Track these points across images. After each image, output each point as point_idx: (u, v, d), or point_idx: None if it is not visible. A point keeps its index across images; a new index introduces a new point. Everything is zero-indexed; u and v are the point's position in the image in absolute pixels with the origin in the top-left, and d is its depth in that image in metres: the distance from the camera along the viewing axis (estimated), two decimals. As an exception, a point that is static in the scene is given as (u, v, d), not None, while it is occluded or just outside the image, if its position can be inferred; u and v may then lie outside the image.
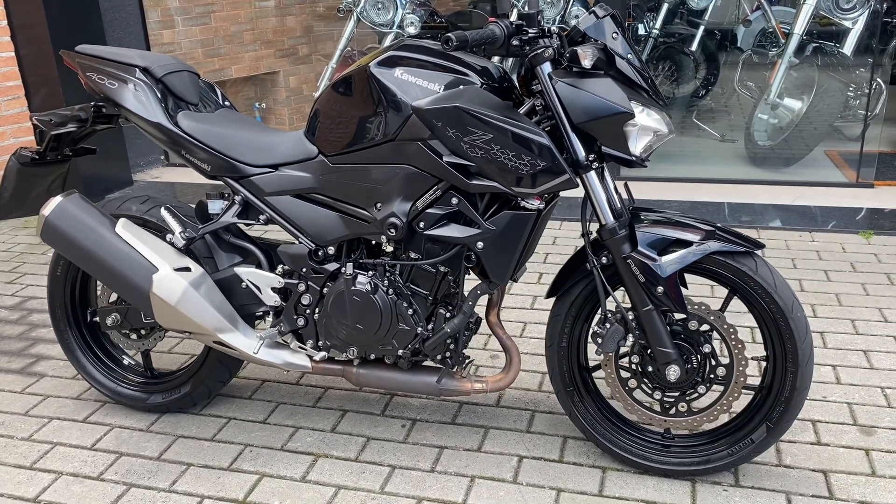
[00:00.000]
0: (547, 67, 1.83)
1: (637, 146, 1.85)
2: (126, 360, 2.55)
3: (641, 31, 5.71)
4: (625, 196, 1.98)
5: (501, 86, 1.95)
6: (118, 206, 2.34)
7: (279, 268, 2.17)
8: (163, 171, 5.41)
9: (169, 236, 2.19)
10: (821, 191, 4.28)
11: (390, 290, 2.06)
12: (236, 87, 6.14)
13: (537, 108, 1.89)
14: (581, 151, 1.84)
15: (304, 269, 2.14)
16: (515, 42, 1.79)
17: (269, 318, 2.23)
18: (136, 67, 2.19)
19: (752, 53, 5.33)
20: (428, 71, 1.91)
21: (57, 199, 2.19)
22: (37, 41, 4.43)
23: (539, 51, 1.80)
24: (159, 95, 2.17)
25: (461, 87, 1.89)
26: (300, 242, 2.13)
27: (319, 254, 2.12)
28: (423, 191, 1.96)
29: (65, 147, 2.37)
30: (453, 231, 1.95)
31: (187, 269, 2.14)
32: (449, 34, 1.65)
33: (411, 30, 5.39)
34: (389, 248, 2.07)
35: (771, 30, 6.29)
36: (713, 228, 1.93)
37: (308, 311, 2.16)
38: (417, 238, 2.00)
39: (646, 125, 1.83)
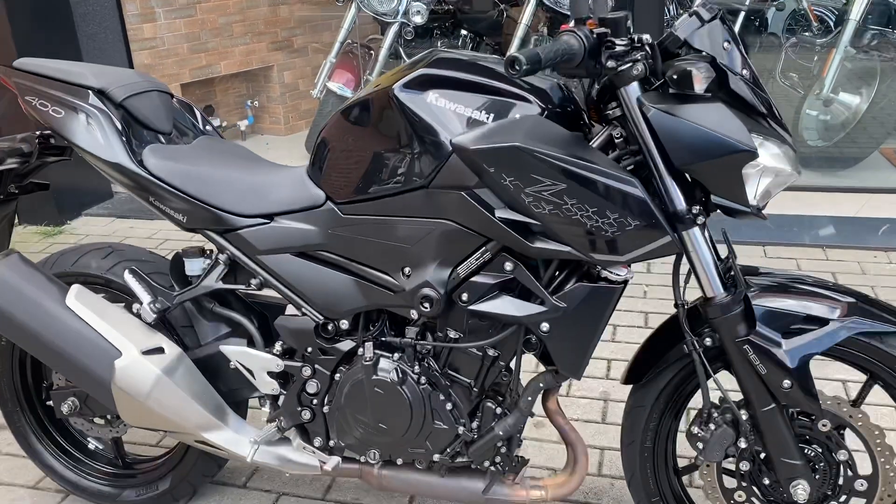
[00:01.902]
0: (634, 89, 1.34)
1: (756, 193, 1.37)
2: (91, 445, 2.08)
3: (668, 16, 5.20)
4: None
5: (566, 111, 1.47)
6: (73, 263, 1.86)
7: (277, 345, 1.69)
8: (147, 179, 4.91)
9: (136, 306, 1.71)
10: (889, 199, 3.79)
11: (422, 379, 1.59)
12: (226, 85, 5.62)
13: (615, 140, 1.40)
14: (682, 202, 1.36)
15: (310, 349, 1.66)
16: (605, 54, 1.30)
17: (268, 404, 1.75)
18: (89, 90, 1.70)
19: (795, 41, 4.82)
20: (472, 94, 1.42)
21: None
22: (-3, 40, 3.92)
23: (626, 67, 1.32)
24: (119, 126, 1.68)
25: (517, 116, 1.40)
26: (304, 314, 1.65)
27: (329, 328, 1.65)
28: (467, 253, 1.48)
29: (7, 184, 1.88)
30: (508, 307, 1.47)
31: (159, 351, 1.66)
32: (516, 54, 1.16)
33: (417, 19, 4.88)
34: (421, 323, 1.59)
35: (803, 12, 5.79)
36: (853, 300, 1.45)
37: (315, 401, 1.68)
38: (458, 311, 1.52)
39: (768, 165, 1.35)
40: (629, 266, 1.42)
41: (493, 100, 1.42)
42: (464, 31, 5.69)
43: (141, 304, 1.69)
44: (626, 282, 1.44)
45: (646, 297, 3.01)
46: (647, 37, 1.34)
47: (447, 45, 5.63)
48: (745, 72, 1.35)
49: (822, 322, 1.42)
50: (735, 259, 1.50)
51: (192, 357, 1.73)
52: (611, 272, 1.42)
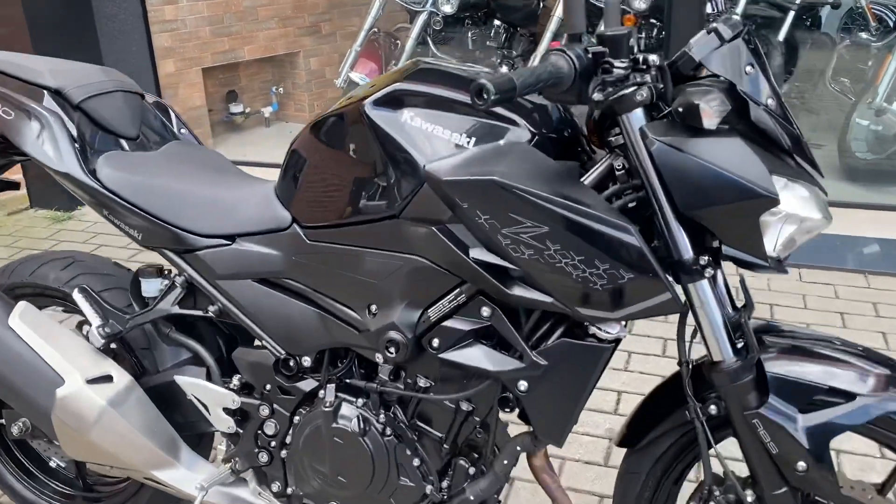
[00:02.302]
0: (638, 118, 1.14)
1: (776, 243, 1.16)
2: (53, 463, 1.96)
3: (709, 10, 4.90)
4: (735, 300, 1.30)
5: (562, 136, 1.27)
6: (31, 273, 1.72)
7: (235, 379, 1.54)
8: (164, 165, 4.81)
9: (86, 328, 1.57)
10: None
11: (388, 430, 1.41)
12: (250, 70, 5.49)
13: (616, 171, 1.21)
14: (688, 250, 1.16)
15: (269, 386, 1.50)
16: (598, 79, 1.10)
17: (224, 442, 1.60)
18: (44, 90, 1.55)
19: (849, 42, 4.50)
20: (453, 115, 1.24)
21: (-70, 274, 1.58)
22: (10, 20, 3.82)
23: (628, 92, 1.12)
24: (73, 131, 1.53)
25: (502, 142, 1.21)
26: (264, 346, 1.49)
27: (291, 364, 1.48)
28: (440, 294, 1.30)
29: None
30: (482, 359, 1.29)
31: (106, 380, 1.51)
32: (483, 81, 0.96)
33: (447, 8, 4.68)
34: (389, 367, 1.41)
35: (860, 10, 5.43)
36: (889, 371, 1.24)
37: (273, 443, 1.52)
38: (429, 358, 1.35)
39: (792, 212, 1.14)
40: (624, 323, 1.23)
41: (476, 122, 1.23)
42: (497, 21, 5.47)
43: (90, 327, 1.55)
44: (618, 341, 1.25)
45: (666, 320, 2.79)
46: (654, 58, 1.14)
47: (479, 35, 5.42)
48: (770, 101, 1.14)
49: (849, 396, 1.21)
50: (751, 312, 1.29)
51: (147, 384, 1.59)
52: (601, 329, 1.23)
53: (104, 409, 1.48)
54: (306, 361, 1.46)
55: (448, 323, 1.30)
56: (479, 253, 1.22)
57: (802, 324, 2.74)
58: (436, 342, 1.31)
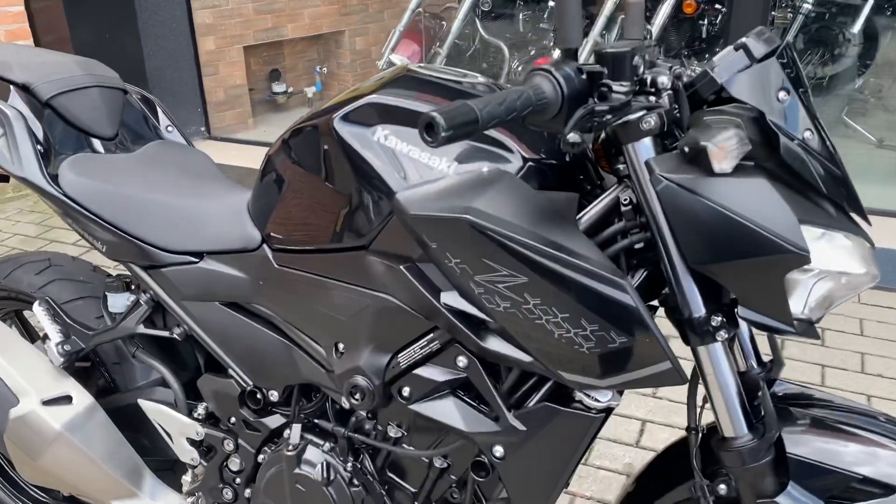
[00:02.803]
0: (646, 148, 0.95)
1: (806, 303, 0.97)
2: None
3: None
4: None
5: (563, 160, 1.09)
6: (5, 276, 1.62)
7: (201, 407, 1.41)
8: (203, 145, 4.73)
9: (47, 343, 1.46)
10: None
11: (355, 480, 1.27)
12: (296, 49, 5.38)
13: (623, 205, 1.02)
14: (699, 308, 0.97)
15: (233, 419, 1.37)
16: (588, 107, 0.92)
17: (189, 472, 1.48)
18: (11, 84, 1.43)
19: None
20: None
21: None
22: (48, -5, 3.78)
23: (633, 118, 0.93)
24: (38, 131, 1.41)
25: (485, 168, 1.04)
26: (230, 376, 1.36)
27: (258, 397, 1.35)
28: (411, 338, 1.14)
29: None
30: (455, 416, 1.12)
31: (65, 400, 1.41)
32: (433, 114, 0.79)
33: (497, -11, 4.45)
34: (360, 412, 1.27)
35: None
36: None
37: (237, 480, 1.40)
38: (400, 406, 1.19)
39: (827, 268, 0.94)
40: (618, 390, 1.05)
41: (459, 144, 1.06)
42: (552, 3, 5.21)
43: (51, 343, 1.44)
44: (609, 410, 1.07)
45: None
46: (664, 79, 0.94)
47: (531, 15, 5.18)
48: (807, 133, 0.94)
49: (889, 490, 1.01)
50: (779, 370, 1.10)
51: (112, 405, 1.48)
52: (588, 395, 1.05)
53: (59, 434, 1.37)
54: (273, 396, 1.33)
55: (420, 371, 1.14)
56: (451, 298, 1.05)
57: (856, 353, 2.49)
58: (406, 391, 1.15)
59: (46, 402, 1.38)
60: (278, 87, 5.25)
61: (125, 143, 1.54)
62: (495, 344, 1.03)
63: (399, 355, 1.15)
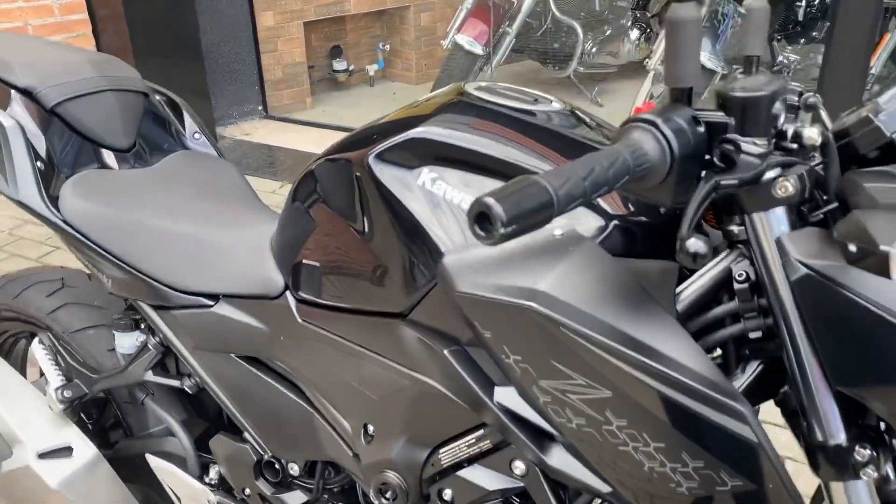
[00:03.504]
0: (778, 218, 0.70)
1: None
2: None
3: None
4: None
5: (655, 219, 0.84)
6: (16, 295, 1.46)
7: (213, 471, 1.22)
8: (259, 125, 4.58)
9: (47, 387, 1.29)
10: None
11: (385, 585, 1.06)
12: (357, 25, 5.15)
13: (736, 281, 0.76)
14: (840, 435, 0.72)
15: (248, 491, 1.18)
16: (710, 183, 0.66)
17: (203, 539, 1.30)
18: (12, 88, 1.25)
19: None
20: (493, 180, 0.84)
21: None
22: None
23: (765, 182, 0.68)
24: (40, 145, 1.22)
25: (557, 233, 0.80)
26: (246, 440, 1.17)
27: (276, 468, 1.15)
28: (456, 432, 0.92)
29: None
30: (508, 535, 0.91)
31: (65, 452, 1.23)
32: (486, 200, 0.55)
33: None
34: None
35: None
36: None
37: (252, 558, 1.21)
38: None
39: None
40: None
41: None
42: (632, -22, 4.86)
43: (49, 387, 1.27)
44: None
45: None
46: (812, 133, 0.69)
47: (609, -6, 4.83)
48: None
49: None
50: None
51: (121, 453, 1.31)
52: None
53: (55, 493, 1.20)
54: (294, 469, 1.13)
55: (466, 473, 0.92)
56: (507, 397, 0.82)
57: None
58: (448, 494, 0.93)
59: (43, 455, 1.21)
60: (339, 65, 5.05)
61: (143, 154, 1.35)
62: (563, 461, 0.80)
63: (440, 451, 0.93)
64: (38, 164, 1.20)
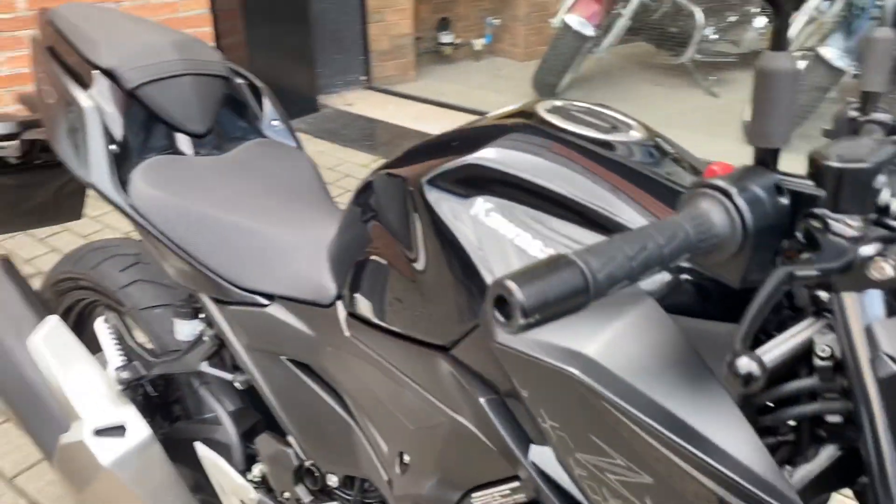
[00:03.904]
0: (870, 303, 0.60)
1: None
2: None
3: None
4: None
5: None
6: (93, 266, 1.49)
7: (257, 469, 1.22)
8: (361, 95, 4.58)
9: (107, 366, 1.31)
10: None
11: None
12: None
13: (820, 356, 0.67)
14: None
15: (287, 495, 1.17)
16: (782, 273, 0.57)
17: None
18: (95, 69, 1.26)
19: None
20: (553, 218, 0.77)
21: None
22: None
23: (858, 262, 0.58)
24: (116, 127, 1.22)
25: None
26: (290, 444, 1.15)
27: (316, 476, 1.13)
28: (490, 479, 0.86)
29: (35, 152, 1.54)
30: None
31: (118, 431, 1.26)
32: (508, 284, 0.48)
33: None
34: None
35: None
36: None
37: (287, 560, 1.20)
38: None
39: None
40: None
41: (588, 235, 0.75)
42: (762, -37, 4.54)
43: (109, 366, 1.29)
44: None
45: None
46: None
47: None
48: None
49: None
50: None
51: (172, 435, 1.32)
52: None
53: (106, 471, 1.22)
54: (332, 480, 1.11)
55: (497, 520, 0.86)
56: (543, 458, 0.76)
57: None
58: (478, 538, 0.88)
59: (98, 432, 1.24)
60: (445, 38, 4.98)
61: (219, 140, 1.34)
62: (598, 536, 0.74)
63: (473, 495, 0.88)
64: (113, 146, 1.21)
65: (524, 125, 0.84)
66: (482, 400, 0.79)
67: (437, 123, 4.01)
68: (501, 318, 0.49)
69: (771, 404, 0.68)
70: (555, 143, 0.81)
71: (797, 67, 0.55)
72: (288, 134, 1.44)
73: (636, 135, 0.84)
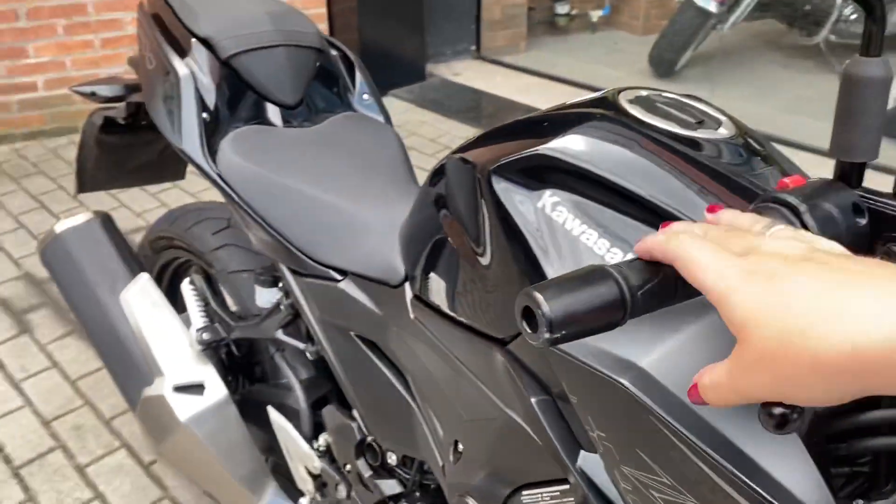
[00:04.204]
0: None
1: None
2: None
3: None
4: None
5: None
6: (187, 227, 1.55)
7: (322, 438, 1.24)
8: (469, 65, 4.55)
9: (190, 327, 1.37)
10: None
11: None
12: (587, -33, 4.90)
13: None
14: None
15: (349, 468, 1.18)
16: None
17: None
18: (193, 38, 1.29)
19: None
20: (623, 217, 0.73)
21: (77, 220, 1.47)
22: None
23: None
24: (210, 96, 1.26)
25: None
26: (354, 418, 1.17)
27: (377, 452, 1.14)
28: (540, 479, 0.84)
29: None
30: None
31: (197, 389, 1.31)
32: (535, 293, 0.46)
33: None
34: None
35: None
36: None
37: (347, 531, 1.22)
38: None
39: None
40: None
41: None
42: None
43: (192, 327, 1.34)
44: None
45: None
46: None
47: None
48: None
49: None
50: None
51: (246, 396, 1.37)
52: None
53: (181, 427, 1.28)
54: (392, 458, 1.11)
55: (544, 522, 0.84)
56: (592, 466, 0.73)
57: None
58: (525, 538, 0.86)
59: (178, 389, 1.29)
60: (561, 8, 4.86)
61: (309, 112, 1.35)
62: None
63: (523, 493, 0.86)
64: (205, 115, 1.24)
65: (601, 115, 0.80)
66: (533, 399, 0.76)
67: (544, 97, 3.93)
68: (528, 331, 0.46)
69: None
70: (632, 137, 0.76)
71: (890, 75, 0.49)
72: (377, 109, 1.44)
73: (725, 132, 0.78)
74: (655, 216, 0.71)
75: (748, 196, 0.72)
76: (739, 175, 0.74)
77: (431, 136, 3.63)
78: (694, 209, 0.70)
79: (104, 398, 1.98)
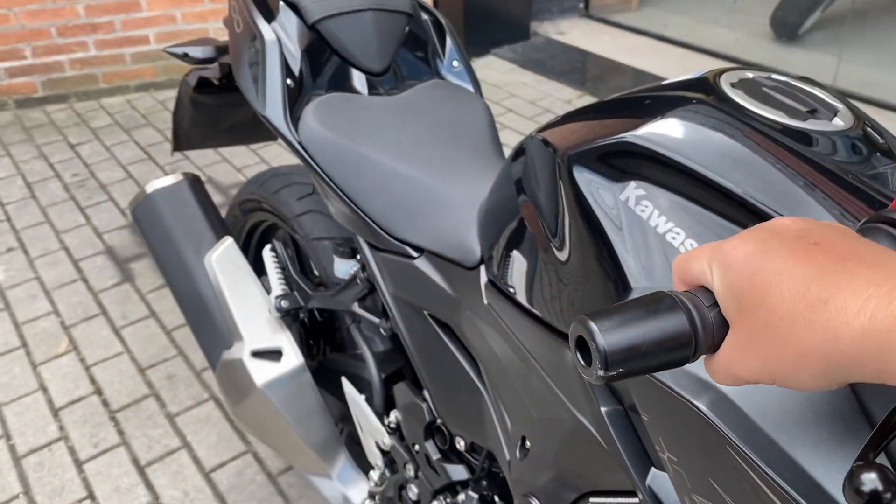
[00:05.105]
0: None
1: None
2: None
3: None
4: None
5: None
6: (274, 192, 1.56)
7: (393, 414, 1.22)
8: (576, 24, 4.37)
9: (270, 294, 1.37)
10: None
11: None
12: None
13: None
14: None
15: (417, 448, 1.16)
16: None
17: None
18: (281, 1, 1.26)
19: None
20: (714, 215, 0.66)
21: (167, 181, 1.49)
22: None
23: None
24: (295, 61, 1.23)
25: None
26: (424, 399, 1.14)
27: (446, 436, 1.11)
28: (609, 488, 0.79)
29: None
30: None
31: (274, 355, 1.31)
32: (590, 322, 0.40)
33: None
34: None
35: None
36: None
37: (414, 510, 1.21)
38: None
39: None
40: None
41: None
42: None
43: (270, 293, 1.34)
44: None
45: None
46: None
47: None
48: None
49: None
50: None
51: (322, 365, 1.37)
52: None
53: (256, 392, 1.29)
54: (460, 443, 1.08)
55: (613, 534, 0.79)
56: (661, 485, 0.67)
57: None
58: (592, 545, 0.82)
59: (255, 354, 1.30)
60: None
61: (395, 79, 1.31)
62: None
63: (590, 499, 0.81)
64: (289, 81, 1.22)
65: (698, 101, 0.72)
66: (604, 409, 0.71)
67: (653, 59, 3.74)
68: (582, 363, 0.41)
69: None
70: (732, 127, 0.68)
71: None
72: (465, 76, 1.38)
73: (840, 122, 0.69)
74: (751, 217, 0.63)
75: (863, 200, 0.63)
76: (854, 174, 0.65)
77: (531, 98, 3.52)
78: (797, 212, 0.62)
79: (196, 350, 2.04)
